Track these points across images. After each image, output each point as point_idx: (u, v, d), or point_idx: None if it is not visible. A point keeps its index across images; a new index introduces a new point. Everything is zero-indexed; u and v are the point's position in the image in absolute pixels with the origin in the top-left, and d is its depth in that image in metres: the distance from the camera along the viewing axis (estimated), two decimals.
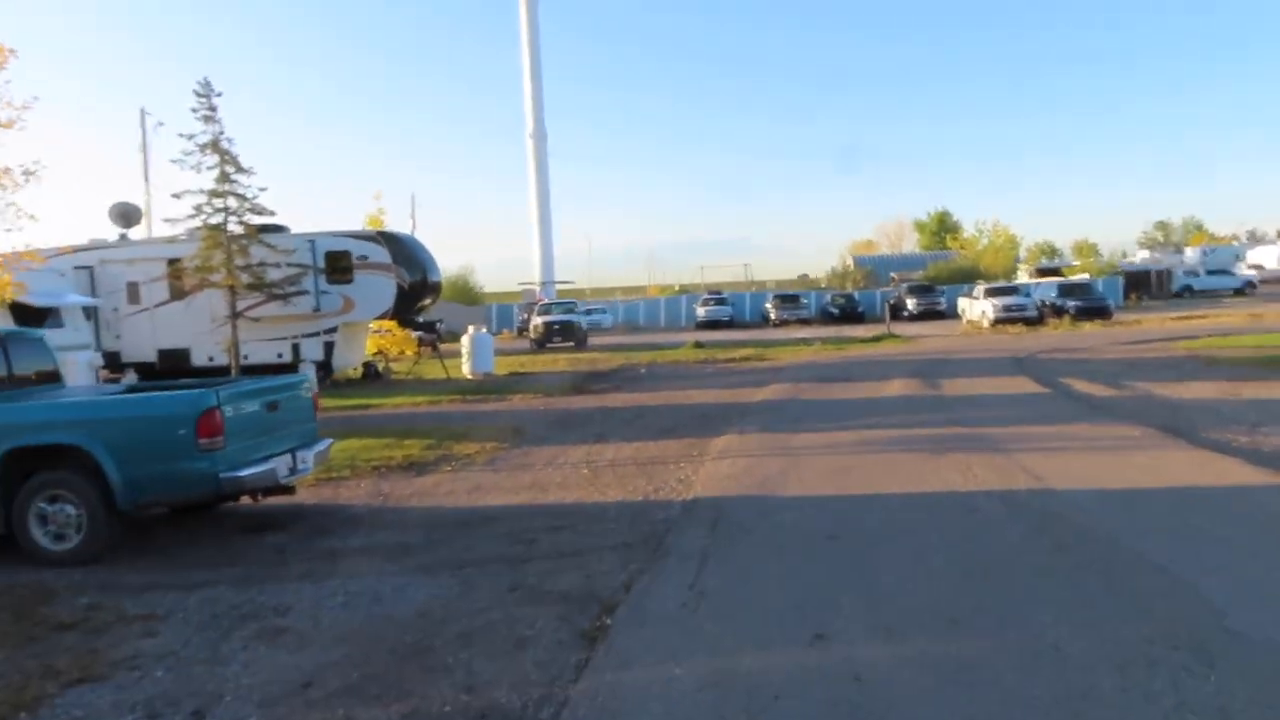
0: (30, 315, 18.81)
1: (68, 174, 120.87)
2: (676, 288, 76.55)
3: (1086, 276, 48.08)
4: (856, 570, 6.20)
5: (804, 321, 47.65)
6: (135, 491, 7.36)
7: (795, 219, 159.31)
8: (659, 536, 7.30)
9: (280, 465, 8.08)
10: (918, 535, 7.03)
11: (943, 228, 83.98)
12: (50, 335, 18.85)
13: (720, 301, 52.47)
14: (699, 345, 32.14)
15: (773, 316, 49.10)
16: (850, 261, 73.24)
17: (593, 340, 38.44)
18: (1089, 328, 32.79)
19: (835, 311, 49.54)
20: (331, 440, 9.71)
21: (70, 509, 7.41)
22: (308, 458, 8.63)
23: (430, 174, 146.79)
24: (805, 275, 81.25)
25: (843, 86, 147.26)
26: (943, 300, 47.62)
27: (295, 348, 23.00)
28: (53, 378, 9.25)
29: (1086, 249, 76.01)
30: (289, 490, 8.69)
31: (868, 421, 13.21)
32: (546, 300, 49.75)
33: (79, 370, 18.13)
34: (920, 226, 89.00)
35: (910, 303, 47.50)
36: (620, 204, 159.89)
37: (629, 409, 16.17)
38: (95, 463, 7.32)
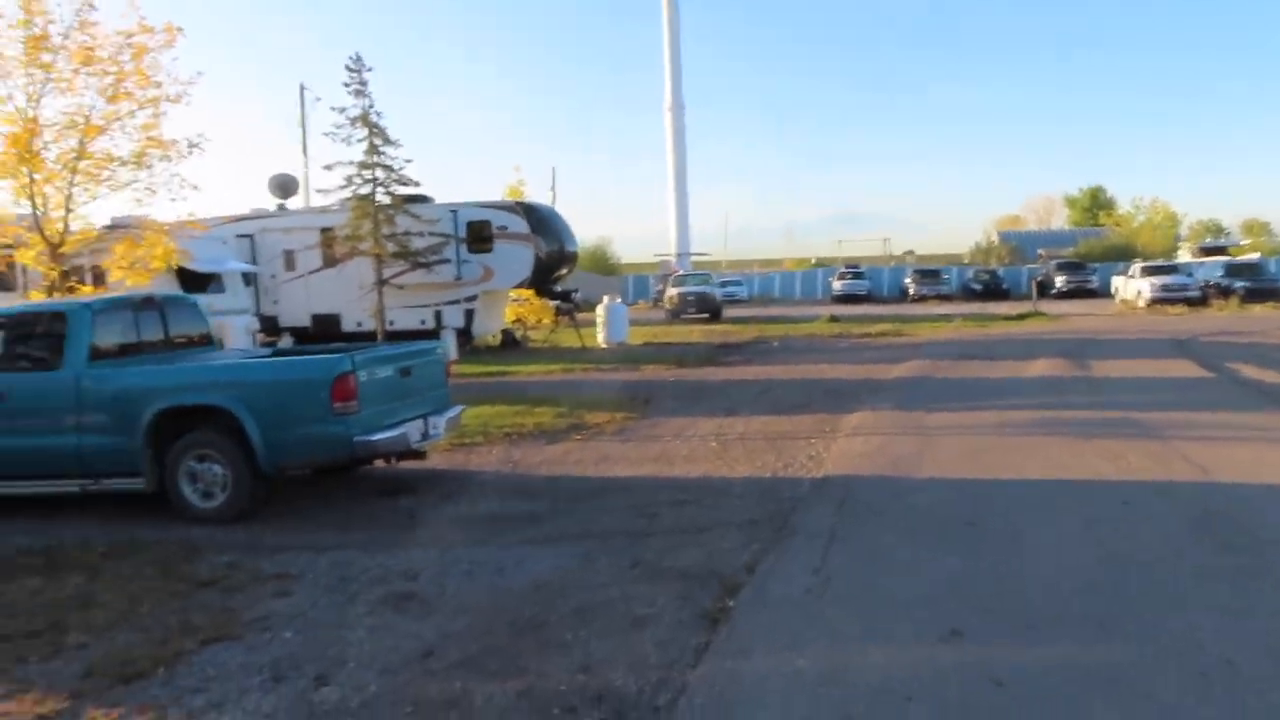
0: (194, 280, 19.87)
1: (233, 146, 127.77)
2: (813, 261, 75.15)
3: (1257, 256, 44.67)
4: (995, 560, 5.83)
5: (944, 297, 45.99)
6: (275, 453, 7.60)
7: (937, 193, 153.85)
8: (785, 515, 7.07)
9: (412, 430, 8.21)
10: (1063, 525, 6.59)
11: (1095, 204, 79.69)
12: (212, 300, 20.00)
13: (857, 275, 51.23)
14: (834, 319, 31.50)
15: (911, 292, 47.58)
16: (995, 237, 70.36)
17: (727, 312, 38.15)
18: (1259, 310, 30.46)
19: (978, 287, 47.51)
20: (463, 406, 9.85)
21: (217, 468, 7.72)
22: (439, 424, 8.76)
23: (571, 146, 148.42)
24: (910, 251, 77.47)
25: (992, 53, 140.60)
26: (1094, 278, 45.14)
27: (438, 314, 23.58)
28: (205, 341, 9.63)
29: (1257, 228, 70.62)
30: (420, 455, 8.85)
31: (1010, 402, 12.57)
32: (682, 272, 49.61)
33: (237, 333, 19.11)
34: (1071, 202, 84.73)
35: (1059, 280, 45.18)
36: (759, 177, 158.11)
37: (760, 382, 15.91)
38: (239, 424, 7.59)
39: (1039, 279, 43.65)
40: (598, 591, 5.48)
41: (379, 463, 8.69)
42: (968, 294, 47.23)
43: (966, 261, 63.66)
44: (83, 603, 5.77)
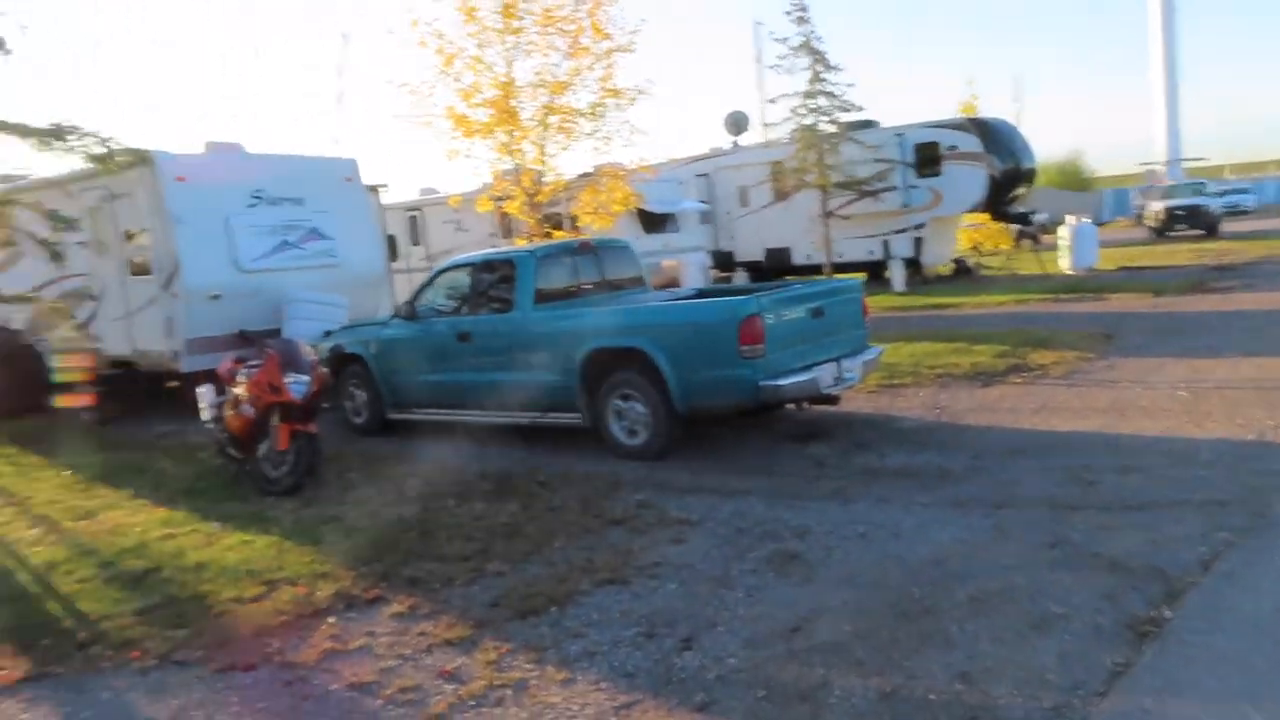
0: (653, 221, 21.13)
1: (699, 91, 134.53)
2: None
3: None
4: None
5: None
6: (687, 394, 7.70)
7: None
8: (1266, 495, 5.66)
9: (824, 374, 7.88)
10: None
11: None
12: (668, 239, 21.15)
13: None
14: None
15: None
16: None
17: (1227, 226, 32.79)
18: None
19: None
20: (883, 348, 9.32)
21: (639, 407, 8.02)
22: (854, 367, 8.33)
23: (1036, 53, 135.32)
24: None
25: None
26: None
27: (885, 244, 22.98)
28: (638, 283, 10.05)
29: None
30: (832, 400, 8.50)
31: None
32: (1170, 182, 43.35)
33: (692, 270, 20.07)
34: None
35: None
36: (1272, 59, 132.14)
37: (1258, 314, 13.30)
38: (655, 365, 7.81)
39: None
40: (1002, 576, 4.76)
41: (790, 406, 8.50)
42: None
43: None
44: (510, 531, 6.28)
